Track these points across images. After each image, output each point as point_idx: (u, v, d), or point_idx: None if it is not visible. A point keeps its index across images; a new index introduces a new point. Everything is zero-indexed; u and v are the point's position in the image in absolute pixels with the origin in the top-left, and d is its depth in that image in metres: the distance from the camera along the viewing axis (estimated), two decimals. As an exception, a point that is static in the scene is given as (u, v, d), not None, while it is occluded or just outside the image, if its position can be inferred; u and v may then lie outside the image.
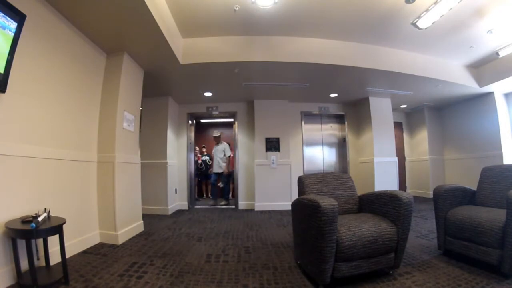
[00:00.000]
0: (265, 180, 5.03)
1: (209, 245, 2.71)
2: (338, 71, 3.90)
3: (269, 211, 4.75)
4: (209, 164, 6.71)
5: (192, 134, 5.62)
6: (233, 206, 5.36)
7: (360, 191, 2.45)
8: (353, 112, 5.76)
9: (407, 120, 6.61)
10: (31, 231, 1.59)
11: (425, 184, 6.06)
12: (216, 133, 5.95)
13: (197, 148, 6.67)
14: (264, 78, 4.17)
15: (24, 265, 1.72)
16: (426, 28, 3.13)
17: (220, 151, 5.82)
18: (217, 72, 3.88)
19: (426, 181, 6.01)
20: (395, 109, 5.92)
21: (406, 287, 1.70)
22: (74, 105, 2.54)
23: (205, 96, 4.99)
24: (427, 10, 2.85)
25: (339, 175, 2.44)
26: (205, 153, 6.94)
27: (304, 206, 1.85)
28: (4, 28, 1.65)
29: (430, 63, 4.15)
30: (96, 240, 2.74)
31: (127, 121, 3.11)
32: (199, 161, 6.77)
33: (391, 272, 1.90)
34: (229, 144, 5.95)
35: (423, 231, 3.08)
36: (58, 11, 2.26)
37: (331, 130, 5.95)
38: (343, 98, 5.44)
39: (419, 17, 2.97)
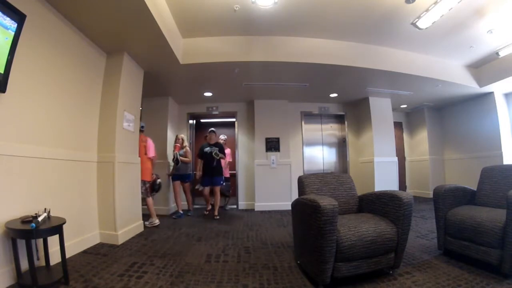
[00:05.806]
0: (265, 180, 5.03)
1: (209, 245, 2.71)
2: (338, 71, 3.90)
3: (269, 211, 4.74)
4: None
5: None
6: (234, 206, 5.34)
7: (360, 191, 2.45)
8: (353, 112, 5.76)
9: (407, 120, 6.61)
10: (31, 231, 1.59)
11: (425, 184, 6.05)
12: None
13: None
14: (264, 78, 4.17)
15: (24, 265, 1.72)
16: (426, 28, 3.13)
17: None
18: (217, 72, 3.88)
19: (426, 181, 6.01)
20: (395, 109, 5.92)
21: (406, 287, 1.70)
22: (74, 105, 2.53)
23: (205, 96, 4.99)
24: (427, 10, 2.85)
25: (339, 175, 2.44)
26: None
27: (304, 206, 1.85)
28: (4, 27, 1.65)
29: (430, 63, 4.15)
30: (96, 240, 2.73)
31: (127, 121, 3.11)
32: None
33: (391, 272, 1.90)
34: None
35: (423, 231, 3.08)
36: (58, 11, 2.26)
37: (331, 130, 5.95)
38: (343, 98, 5.44)
39: (419, 17, 2.97)
